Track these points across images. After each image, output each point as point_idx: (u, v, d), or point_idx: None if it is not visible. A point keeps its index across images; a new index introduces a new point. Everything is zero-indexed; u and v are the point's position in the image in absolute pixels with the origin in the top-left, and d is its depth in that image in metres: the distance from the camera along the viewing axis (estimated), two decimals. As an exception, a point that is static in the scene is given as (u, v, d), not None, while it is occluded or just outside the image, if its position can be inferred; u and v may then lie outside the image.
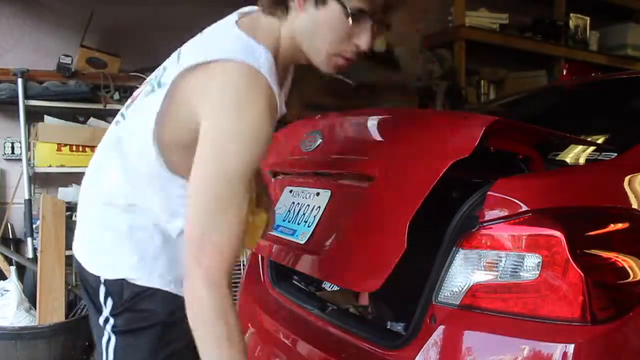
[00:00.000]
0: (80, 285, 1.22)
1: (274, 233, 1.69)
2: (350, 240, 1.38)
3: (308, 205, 1.61)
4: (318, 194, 1.59)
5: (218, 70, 0.98)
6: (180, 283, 1.05)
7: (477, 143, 1.15)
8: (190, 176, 0.99)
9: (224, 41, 1.03)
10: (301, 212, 1.62)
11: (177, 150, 1.06)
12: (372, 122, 1.55)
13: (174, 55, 1.13)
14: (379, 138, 1.50)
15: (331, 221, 1.50)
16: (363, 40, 1.04)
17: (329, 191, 1.56)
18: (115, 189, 1.11)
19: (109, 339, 1.11)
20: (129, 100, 1.21)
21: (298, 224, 1.61)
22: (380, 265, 1.23)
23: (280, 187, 1.82)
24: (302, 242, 1.54)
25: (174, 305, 1.08)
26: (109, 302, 1.10)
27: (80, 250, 1.18)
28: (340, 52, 1.06)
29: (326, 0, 1.00)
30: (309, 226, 1.55)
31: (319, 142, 1.61)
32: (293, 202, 1.70)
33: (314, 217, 1.55)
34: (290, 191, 1.75)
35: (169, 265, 1.12)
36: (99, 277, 1.11)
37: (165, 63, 1.15)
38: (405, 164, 1.33)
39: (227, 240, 0.97)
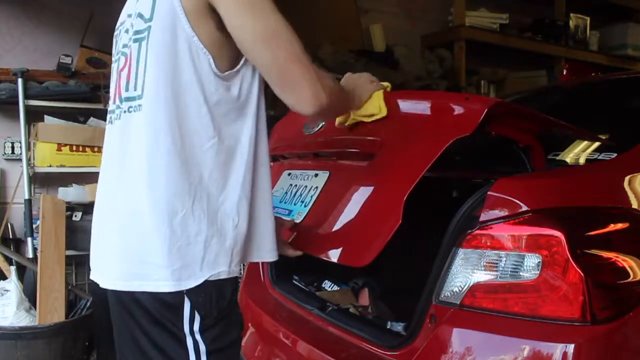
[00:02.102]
0: (129, 318, 1.04)
1: None
2: (346, 216, 1.35)
3: (305, 186, 1.59)
4: (317, 175, 1.57)
5: None
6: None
7: (478, 122, 1.14)
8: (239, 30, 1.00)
9: None
10: (298, 193, 1.60)
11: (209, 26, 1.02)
12: None
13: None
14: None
15: (328, 200, 1.47)
16: None
17: (328, 172, 1.54)
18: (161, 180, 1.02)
19: None
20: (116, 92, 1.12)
21: (294, 204, 1.58)
22: (374, 238, 1.21)
23: (279, 171, 1.82)
24: (298, 221, 1.51)
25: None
26: (197, 320, 1.02)
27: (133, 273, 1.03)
28: None
29: None
30: (305, 206, 1.53)
31: (321, 125, 1.61)
32: (291, 185, 1.68)
33: (311, 197, 1.53)
34: (289, 174, 1.73)
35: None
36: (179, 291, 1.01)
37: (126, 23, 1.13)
38: (405, 141, 1.31)
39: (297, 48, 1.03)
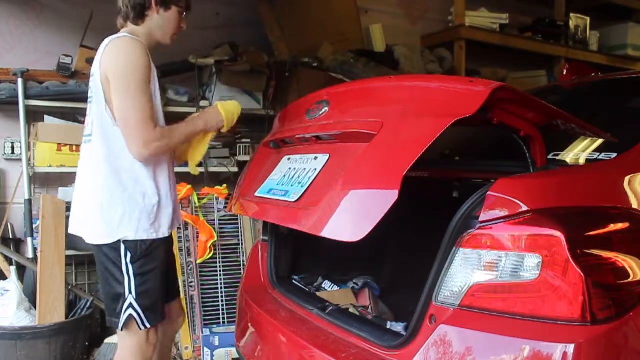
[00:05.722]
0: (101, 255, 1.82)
1: (266, 196, 1.68)
2: (341, 194, 1.33)
3: (304, 169, 1.59)
4: (316, 158, 1.56)
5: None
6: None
7: (482, 104, 1.14)
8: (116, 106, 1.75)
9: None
10: (296, 176, 1.60)
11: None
12: (380, 88, 1.54)
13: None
14: (385, 100, 1.48)
15: (326, 180, 1.46)
16: (184, 24, 1.92)
17: (328, 155, 1.53)
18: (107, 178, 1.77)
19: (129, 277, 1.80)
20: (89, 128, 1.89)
21: (291, 185, 1.58)
22: (369, 214, 1.19)
23: (279, 156, 1.82)
24: (293, 200, 1.51)
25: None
26: (129, 255, 1.79)
27: (95, 230, 1.80)
28: (176, 33, 1.91)
29: (170, 7, 1.86)
30: (302, 186, 1.52)
31: (324, 110, 1.61)
32: (290, 168, 1.69)
33: (309, 178, 1.52)
34: (289, 159, 1.74)
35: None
36: (119, 241, 1.77)
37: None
38: (407, 121, 1.30)
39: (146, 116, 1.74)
